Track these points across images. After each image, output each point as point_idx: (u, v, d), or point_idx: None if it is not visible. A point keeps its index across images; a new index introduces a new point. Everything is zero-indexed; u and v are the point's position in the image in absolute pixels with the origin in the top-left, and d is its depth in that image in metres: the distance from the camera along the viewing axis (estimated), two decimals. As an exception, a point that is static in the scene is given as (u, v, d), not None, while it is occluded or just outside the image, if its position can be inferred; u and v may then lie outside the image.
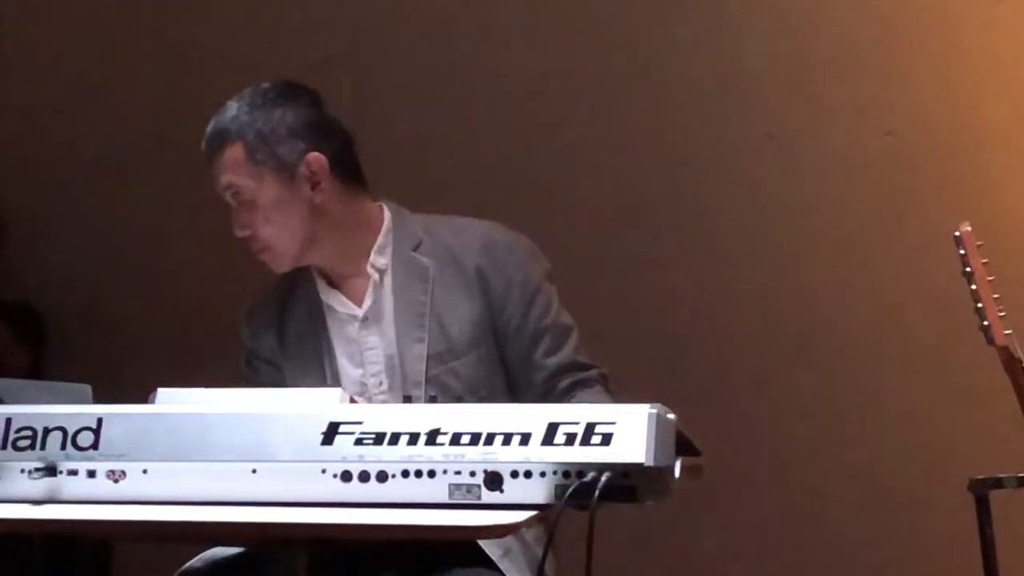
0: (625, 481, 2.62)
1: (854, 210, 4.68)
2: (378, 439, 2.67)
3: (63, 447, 2.74)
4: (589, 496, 2.59)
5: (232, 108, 3.41)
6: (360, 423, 2.69)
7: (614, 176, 4.85)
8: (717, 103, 4.77)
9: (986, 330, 3.11)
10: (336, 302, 3.47)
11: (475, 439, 2.65)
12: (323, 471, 2.66)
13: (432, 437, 2.66)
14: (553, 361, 3.36)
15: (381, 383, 3.42)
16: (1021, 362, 3.06)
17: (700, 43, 4.78)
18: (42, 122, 5.32)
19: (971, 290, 3.11)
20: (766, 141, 4.71)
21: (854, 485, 4.60)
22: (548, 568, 3.28)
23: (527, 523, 2.63)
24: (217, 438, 2.70)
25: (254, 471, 2.68)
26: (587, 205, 4.83)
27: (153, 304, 5.17)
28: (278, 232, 3.40)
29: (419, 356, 3.39)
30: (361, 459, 2.66)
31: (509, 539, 3.22)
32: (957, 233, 3.15)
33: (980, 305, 3.10)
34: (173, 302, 5.14)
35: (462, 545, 3.15)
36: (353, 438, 2.68)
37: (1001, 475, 3.04)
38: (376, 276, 3.44)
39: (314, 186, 3.39)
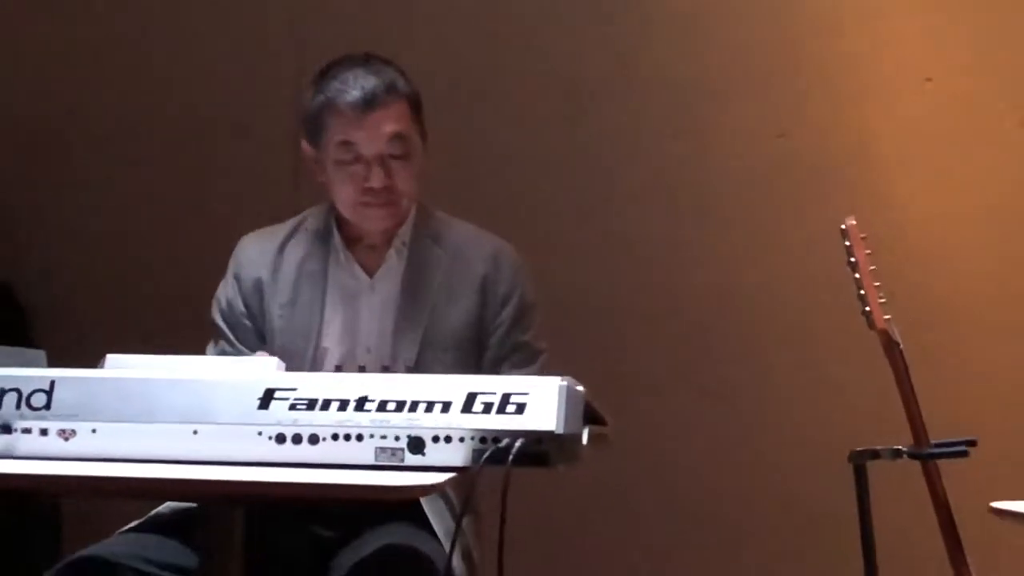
0: (537, 447, 2.62)
1: (750, 204, 4.68)
2: (311, 405, 2.66)
3: (18, 407, 2.71)
4: (504, 460, 2.59)
5: (387, 70, 3.39)
6: (294, 390, 2.68)
7: (532, 173, 4.83)
8: (627, 103, 4.75)
9: (868, 315, 3.11)
10: (349, 264, 3.46)
11: (400, 406, 2.65)
12: (259, 433, 2.64)
13: (360, 404, 2.65)
14: (517, 373, 3.38)
15: (369, 350, 3.41)
16: (899, 345, 3.07)
17: (609, 46, 4.76)
18: (19, 108, 5.23)
19: (855, 279, 3.12)
20: (672, 141, 4.71)
21: (745, 456, 4.62)
22: (467, 525, 3.29)
23: (446, 484, 2.63)
24: (161, 401, 2.67)
25: (195, 432, 2.65)
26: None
27: (130, 290, 5.09)
28: (411, 189, 3.41)
29: (414, 338, 3.39)
30: (295, 423, 2.65)
31: (446, 511, 3.24)
32: (843, 226, 3.16)
33: (863, 292, 3.11)
34: (150, 288, 5.06)
35: (393, 504, 3.15)
36: (288, 403, 2.67)
37: (878, 447, 3.05)
38: (396, 254, 3.42)
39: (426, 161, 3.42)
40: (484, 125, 4.82)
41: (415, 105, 3.40)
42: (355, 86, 3.34)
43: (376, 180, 3.34)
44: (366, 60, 3.40)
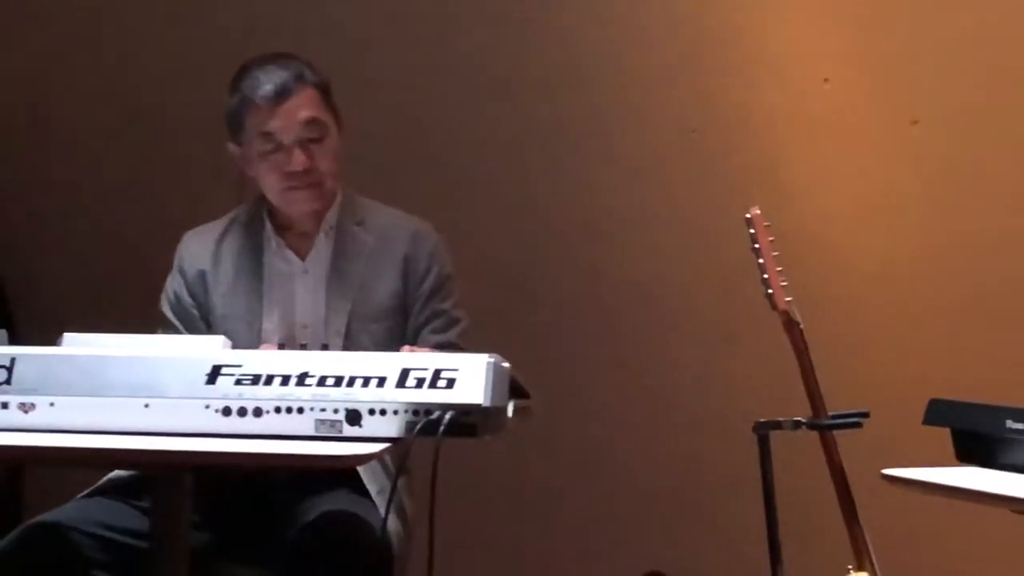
0: (466, 419, 2.65)
1: (662, 193, 4.72)
2: (255, 380, 2.69)
3: (-20, 382, 2.73)
4: (435, 431, 2.62)
5: (294, 63, 3.46)
6: (240, 366, 2.70)
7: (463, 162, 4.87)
8: (545, 101, 4.78)
9: (770, 297, 3.14)
10: (281, 251, 3.51)
11: (338, 381, 2.68)
12: (207, 407, 2.67)
13: (301, 379, 2.68)
14: (436, 339, 3.45)
15: (306, 327, 3.45)
16: (799, 324, 3.10)
17: (531, 41, 4.79)
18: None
19: (758, 263, 3.15)
20: (588, 137, 4.74)
21: (657, 428, 4.66)
22: (402, 490, 3.34)
23: (382, 454, 2.67)
24: (115, 376, 2.70)
25: (146, 406, 2.68)
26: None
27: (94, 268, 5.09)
28: (333, 171, 3.46)
29: (343, 313, 3.45)
30: (240, 397, 2.67)
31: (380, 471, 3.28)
32: (748, 215, 3.19)
33: (766, 276, 3.14)
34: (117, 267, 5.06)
35: (332, 472, 3.20)
36: (233, 379, 2.69)
37: (780, 419, 3.08)
38: (325, 238, 3.47)
39: (343, 143, 3.48)
40: (418, 113, 4.84)
41: (325, 91, 3.47)
42: (267, 81, 3.42)
43: (297, 163, 3.41)
44: (275, 57, 3.47)
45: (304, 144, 3.41)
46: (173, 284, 3.56)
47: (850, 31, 4.55)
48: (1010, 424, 2.38)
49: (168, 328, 3.52)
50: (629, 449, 4.69)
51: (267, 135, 3.42)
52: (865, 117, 4.55)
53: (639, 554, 4.37)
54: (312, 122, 3.42)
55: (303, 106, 3.42)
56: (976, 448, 2.48)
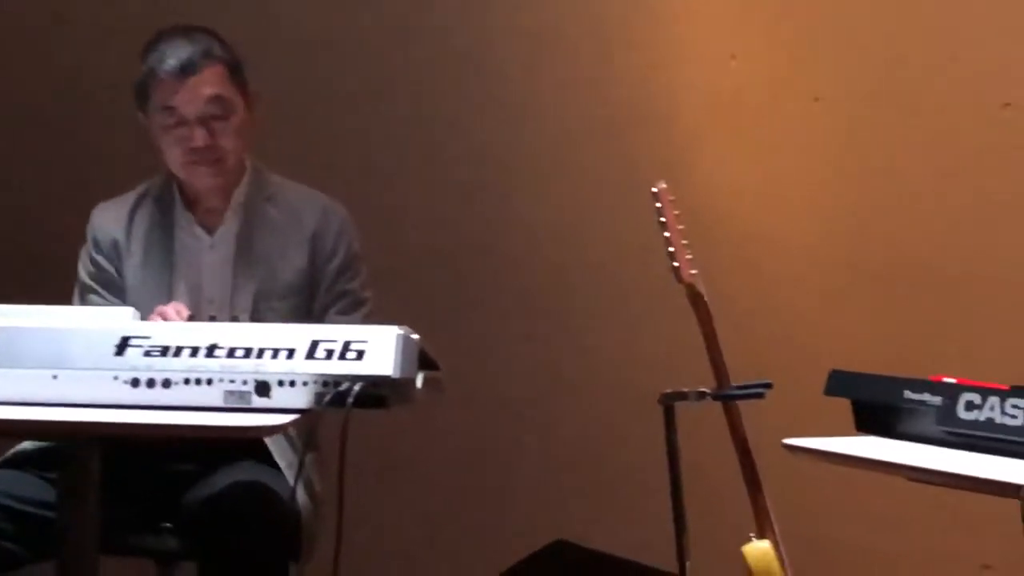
0: (375, 390, 2.65)
1: (574, 171, 4.72)
2: (164, 351, 2.67)
3: None
4: (344, 403, 2.62)
5: (203, 38, 3.43)
6: (148, 337, 2.69)
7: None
8: (447, 74, 4.77)
9: (676, 270, 3.14)
10: (190, 226, 3.49)
11: (248, 353, 2.67)
12: (115, 378, 2.66)
13: (210, 351, 2.67)
14: (341, 319, 3.44)
15: (212, 301, 3.43)
16: (703, 297, 3.12)
17: (434, 18, 4.78)
18: None
19: (664, 237, 3.15)
20: (500, 115, 4.73)
21: (566, 399, 4.67)
22: (310, 461, 3.33)
23: (290, 425, 2.66)
24: (24, 348, 2.69)
25: (55, 377, 2.67)
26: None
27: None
28: (237, 148, 3.44)
29: (249, 290, 3.43)
30: (149, 368, 2.66)
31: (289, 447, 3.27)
32: (654, 189, 3.19)
33: (672, 249, 3.14)
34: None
35: (241, 443, 3.19)
36: (142, 350, 2.68)
37: (685, 390, 3.09)
38: (233, 214, 3.45)
39: (252, 119, 3.45)
40: (336, 85, 4.82)
41: (233, 68, 3.44)
42: (173, 55, 3.39)
43: (199, 140, 3.39)
44: (185, 31, 3.44)
45: (206, 121, 3.39)
46: (89, 253, 3.53)
47: (756, 8, 4.57)
48: (907, 394, 2.40)
49: (91, 295, 3.49)
50: (537, 420, 4.69)
51: (170, 109, 3.39)
52: (770, 94, 4.57)
53: (546, 523, 4.37)
54: (216, 99, 3.40)
55: (208, 83, 3.39)
56: (875, 418, 2.50)
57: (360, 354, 2.67)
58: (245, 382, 2.65)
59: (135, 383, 2.66)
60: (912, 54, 4.39)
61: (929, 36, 4.38)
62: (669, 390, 3.07)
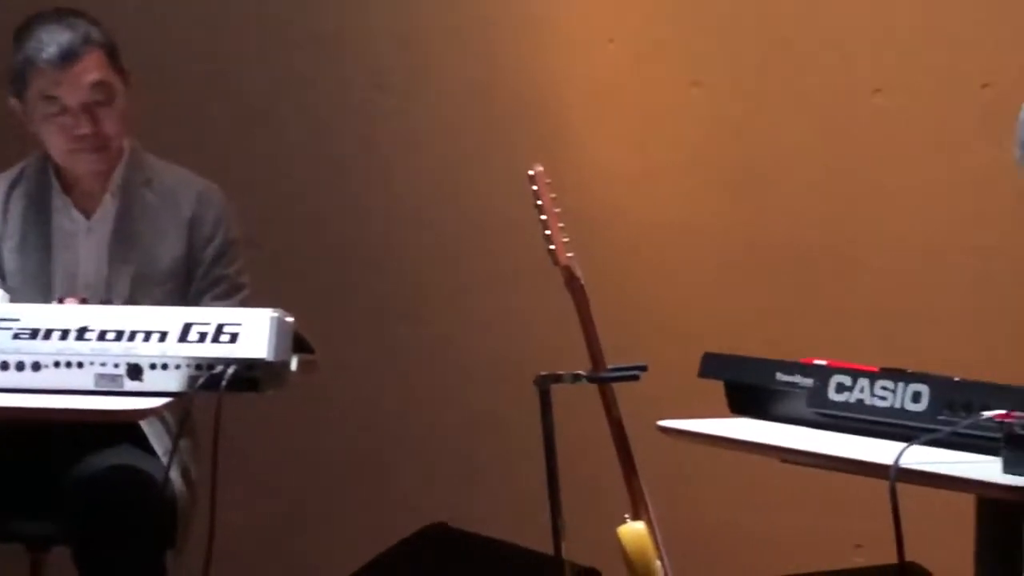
0: (249, 373, 2.64)
1: (453, 154, 4.70)
2: (33, 334, 2.65)
3: None
4: (217, 386, 2.60)
5: (80, 23, 3.35)
6: (17, 320, 2.65)
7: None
8: (335, 55, 4.73)
9: (552, 253, 3.13)
10: (68, 209, 3.43)
11: (119, 336, 2.65)
12: (-17, 361, 2.62)
13: (81, 333, 2.65)
14: (218, 304, 3.40)
15: (87, 286, 3.37)
16: (579, 280, 3.11)
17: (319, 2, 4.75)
18: None
19: (541, 220, 3.14)
20: (377, 95, 4.71)
21: (444, 380, 4.66)
22: (186, 445, 3.29)
23: (163, 408, 2.63)
24: None
25: (-78, 360, 2.62)
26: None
27: None
28: (120, 133, 3.38)
29: (126, 274, 3.37)
30: (18, 351, 2.62)
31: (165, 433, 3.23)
32: (531, 172, 3.17)
33: (548, 232, 3.13)
34: None
35: (114, 426, 3.14)
36: (11, 333, 2.65)
37: (560, 372, 3.08)
38: (111, 197, 3.40)
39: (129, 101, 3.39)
40: (213, 66, 4.77)
41: (111, 52, 3.39)
42: (51, 43, 3.32)
43: (84, 127, 3.34)
44: (60, 15, 3.38)
45: (90, 108, 3.34)
46: None
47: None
48: (780, 376, 2.40)
49: None
50: (415, 401, 4.68)
51: (52, 99, 3.33)
52: (648, 78, 4.59)
53: (423, 505, 4.36)
54: (99, 85, 3.35)
55: (90, 70, 3.34)
56: (748, 400, 2.51)
57: (234, 337, 2.66)
58: (117, 365, 2.64)
59: (4, 366, 2.64)
60: (788, 41, 4.43)
61: (804, 23, 4.41)
62: (545, 372, 3.05)
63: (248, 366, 2.63)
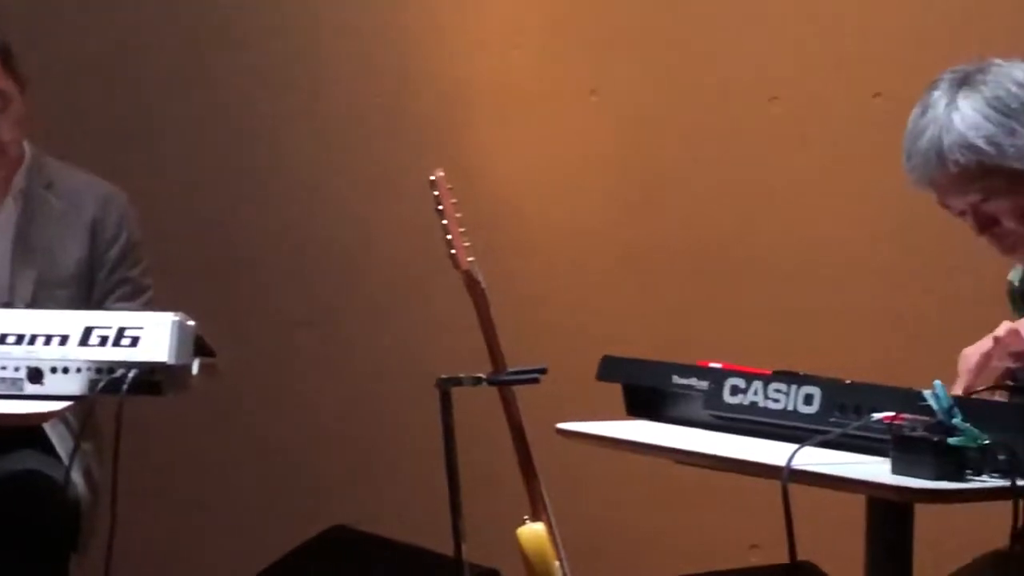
0: (150, 377, 2.63)
1: (358, 158, 4.70)
2: (-72, 338, 2.60)
3: None
4: (118, 389, 2.58)
5: None
6: (-88, 323, 2.61)
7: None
8: (238, 61, 4.71)
9: (453, 257, 3.14)
10: None
11: (19, 339, 2.62)
12: None
13: (-19, 337, 2.60)
14: (122, 306, 3.38)
15: None
16: (480, 283, 3.12)
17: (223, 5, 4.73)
18: None
19: (442, 224, 3.14)
20: (287, 97, 4.70)
21: (346, 383, 4.66)
22: (89, 449, 3.26)
23: (64, 412, 2.61)
24: None
25: None
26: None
27: None
28: (17, 138, 3.34)
29: (28, 279, 3.34)
30: (-86, 355, 2.58)
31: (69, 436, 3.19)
32: (432, 178, 3.18)
33: (449, 236, 3.14)
34: None
35: (20, 433, 3.11)
36: (-91, 337, 2.60)
37: (461, 375, 3.08)
38: (13, 202, 3.36)
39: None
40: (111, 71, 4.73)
41: (6, 58, 3.35)
42: None
43: None
44: None
45: None
46: None
47: (539, 2, 4.59)
48: (676, 379, 2.41)
49: None
50: (317, 405, 4.68)
51: None
52: (550, 85, 4.61)
53: (325, 508, 4.35)
54: None
55: None
56: (645, 402, 2.51)
57: (135, 340, 2.64)
58: (17, 368, 2.60)
59: (-100, 371, 2.58)
60: (683, 49, 4.46)
61: (702, 33, 4.44)
62: (446, 375, 3.06)
63: (149, 370, 2.62)
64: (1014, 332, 2.31)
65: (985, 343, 2.32)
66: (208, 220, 4.71)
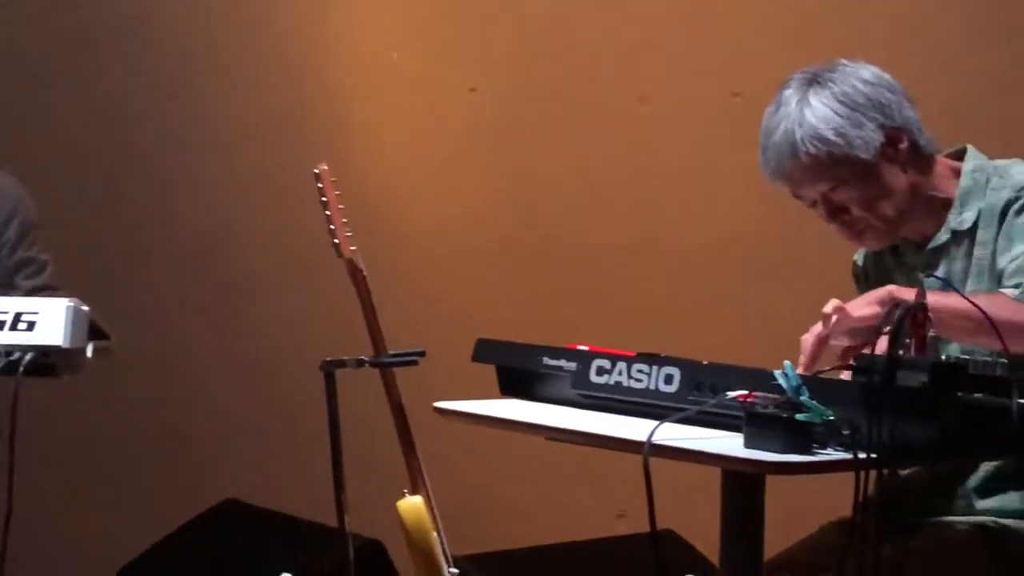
0: (46, 359, 2.60)
1: (249, 154, 4.69)
2: None
3: None
4: (15, 372, 2.55)
5: None
6: None
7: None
8: (136, 63, 4.67)
9: (337, 247, 3.12)
10: None
11: (-83, 324, 2.57)
12: None
13: None
14: (30, 283, 3.34)
15: None
16: (362, 271, 3.10)
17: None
18: None
19: (326, 215, 3.12)
20: (180, 95, 4.67)
21: (236, 367, 4.65)
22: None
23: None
24: None
25: None
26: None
27: None
28: None
29: None
30: None
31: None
32: (316, 171, 3.15)
33: (332, 227, 3.11)
34: None
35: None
36: None
37: (344, 357, 3.07)
38: None
39: None
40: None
41: None
42: None
43: None
44: None
45: None
46: None
47: (413, 8, 4.60)
48: (546, 361, 2.42)
49: None
50: (209, 386, 4.68)
51: None
52: (429, 84, 4.61)
53: (219, 485, 4.32)
54: None
55: None
56: (517, 382, 2.52)
57: (31, 325, 2.61)
58: (-85, 353, 2.55)
59: None
60: (560, 50, 4.48)
61: (576, 35, 4.47)
62: (330, 358, 3.04)
63: (45, 353, 2.59)
64: (840, 309, 2.35)
65: (817, 326, 2.36)
66: (105, 210, 4.66)
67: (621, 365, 2.31)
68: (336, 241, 3.10)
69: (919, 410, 1.95)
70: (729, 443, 2.04)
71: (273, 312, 4.63)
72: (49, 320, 2.59)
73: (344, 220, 3.11)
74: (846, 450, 1.97)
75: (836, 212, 2.63)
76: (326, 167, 3.14)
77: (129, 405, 4.62)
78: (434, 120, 4.60)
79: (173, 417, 4.66)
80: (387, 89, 4.62)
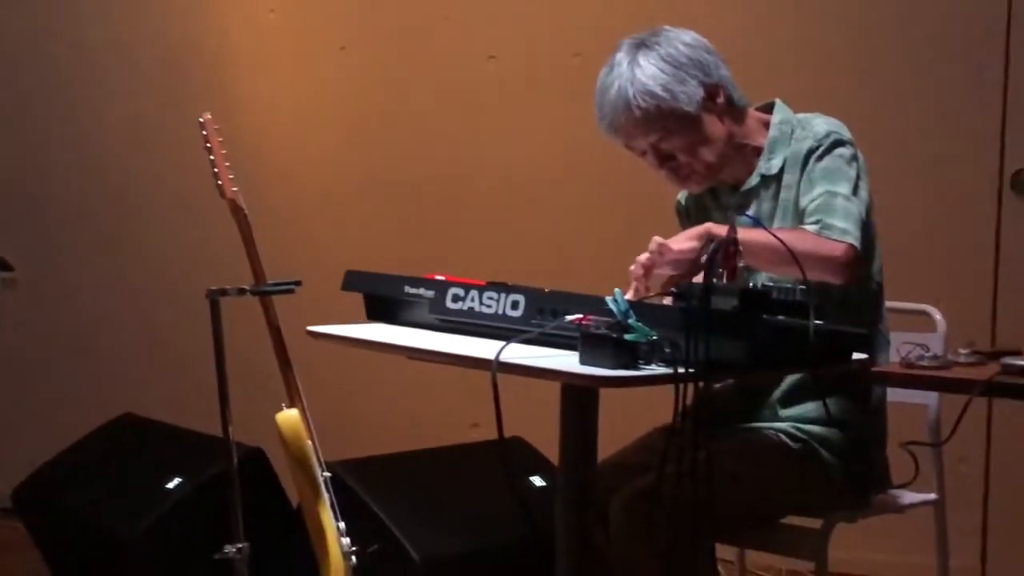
0: None
1: (140, 103, 4.65)
2: None
3: None
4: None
5: None
6: None
7: None
8: (28, 15, 4.55)
9: (220, 188, 3.08)
10: None
11: None
12: None
13: None
14: None
15: None
16: (243, 209, 3.06)
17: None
18: None
19: (210, 160, 3.09)
20: (76, 48, 4.55)
21: (130, 295, 4.62)
22: None
23: None
24: None
25: None
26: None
27: None
28: None
29: None
30: None
31: None
32: (201, 120, 3.11)
33: (216, 170, 3.08)
34: None
35: None
36: None
37: (227, 287, 3.04)
38: None
39: None
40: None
41: None
42: None
43: None
44: None
45: None
46: None
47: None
48: (408, 289, 2.42)
49: None
50: (108, 312, 4.67)
51: None
52: (304, 41, 4.57)
53: (116, 400, 4.27)
54: None
55: None
56: (382, 309, 2.52)
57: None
58: None
59: None
60: (419, 12, 4.46)
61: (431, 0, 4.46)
62: (214, 287, 3.01)
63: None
64: (662, 244, 2.39)
65: (644, 255, 2.40)
66: (11, 153, 4.58)
67: (473, 292, 2.32)
68: (219, 183, 3.07)
69: (730, 330, 1.99)
70: (567, 360, 2.06)
71: (165, 246, 4.60)
72: (-43, 254, 2.53)
73: (227, 164, 3.07)
74: (668, 366, 2.00)
75: (664, 159, 2.66)
76: (209, 116, 3.10)
77: (31, 330, 4.55)
78: (308, 74, 4.57)
79: (75, 340, 4.62)
80: (264, 47, 4.57)
